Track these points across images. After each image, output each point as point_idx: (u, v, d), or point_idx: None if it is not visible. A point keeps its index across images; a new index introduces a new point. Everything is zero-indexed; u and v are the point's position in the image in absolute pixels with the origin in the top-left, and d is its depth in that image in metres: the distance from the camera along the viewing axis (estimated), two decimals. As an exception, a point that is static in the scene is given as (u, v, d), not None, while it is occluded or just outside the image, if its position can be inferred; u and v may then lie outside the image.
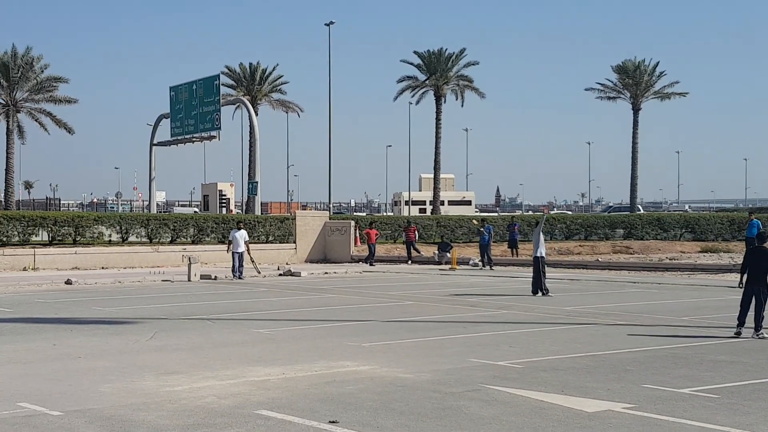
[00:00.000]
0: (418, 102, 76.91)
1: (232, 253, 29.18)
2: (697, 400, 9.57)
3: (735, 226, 51.73)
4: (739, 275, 15.29)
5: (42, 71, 60.55)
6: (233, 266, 29.14)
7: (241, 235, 29.45)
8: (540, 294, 22.06)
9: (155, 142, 57.56)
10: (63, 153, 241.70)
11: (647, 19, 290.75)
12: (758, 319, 14.56)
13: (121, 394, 9.99)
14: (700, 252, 42.78)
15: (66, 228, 36.63)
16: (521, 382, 10.55)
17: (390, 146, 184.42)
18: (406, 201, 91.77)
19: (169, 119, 54.48)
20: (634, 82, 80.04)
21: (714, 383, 10.52)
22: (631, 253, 44.11)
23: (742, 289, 14.89)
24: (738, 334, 14.56)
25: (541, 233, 22.64)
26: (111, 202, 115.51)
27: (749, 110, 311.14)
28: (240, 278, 28.77)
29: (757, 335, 14.48)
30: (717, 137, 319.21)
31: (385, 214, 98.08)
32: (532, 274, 22.76)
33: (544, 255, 22.43)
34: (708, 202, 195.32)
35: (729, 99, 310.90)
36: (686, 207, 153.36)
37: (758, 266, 14.59)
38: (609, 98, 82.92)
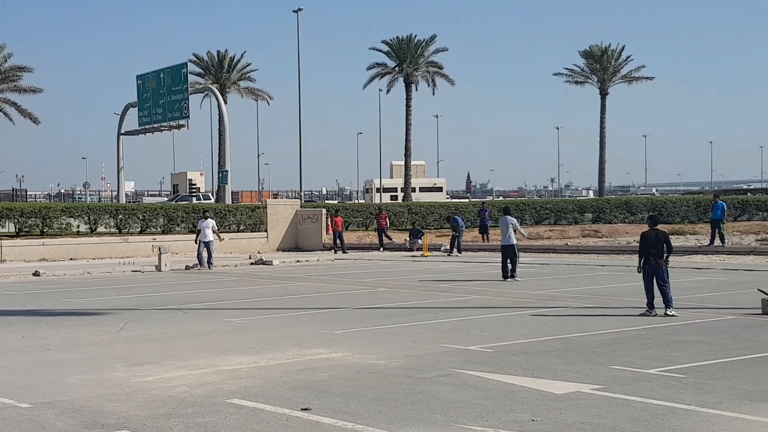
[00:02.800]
0: (389, 90, 76.94)
1: (200, 242, 28.97)
2: (664, 380, 9.73)
3: (701, 209, 52.38)
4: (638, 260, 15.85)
5: (5, 60, 59.72)
6: (199, 255, 28.87)
7: (208, 224, 29.18)
8: (509, 278, 22.35)
9: (123, 131, 57.06)
10: (29, 143, 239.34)
11: (615, 3, 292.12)
12: (665, 296, 15.10)
13: (91, 386, 9.96)
14: (668, 235, 43.22)
15: (33, 219, 36.30)
16: (492, 366, 10.66)
17: (361, 134, 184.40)
18: (377, 188, 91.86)
19: (136, 108, 54.00)
20: (601, 66, 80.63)
21: (680, 363, 10.69)
22: (599, 237, 44.49)
23: (641, 274, 15.38)
24: (646, 315, 15.03)
25: (511, 227, 22.81)
26: (79, 192, 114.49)
27: (714, 94, 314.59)
28: (209, 268, 28.61)
29: (668, 312, 14.97)
30: (683, 121, 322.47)
31: (356, 201, 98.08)
32: (501, 261, 22.96)
33: (515, 243, 22.66)
34: (675, 185, 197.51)
35: (694, 83, 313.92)
36: (653, 190, 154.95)
37: (652, 248, 15.21)
38: (577, 83, 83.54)
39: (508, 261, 22.62)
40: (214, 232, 29.18)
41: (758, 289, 15.97)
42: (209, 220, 29.50)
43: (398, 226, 45.09)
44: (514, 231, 22.89)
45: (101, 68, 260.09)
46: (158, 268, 28.37)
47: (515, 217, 23.62)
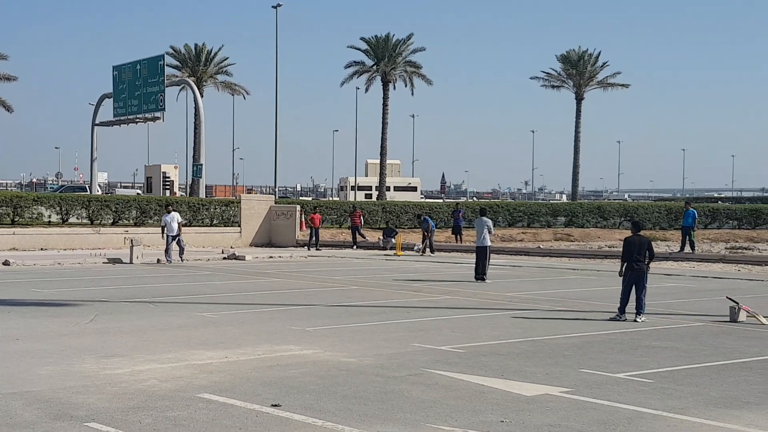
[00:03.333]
0: (367, 89, 76.89)
1: (167, 236, 28.81)
2: (632, 384, 9.83)
3: (672, 216, 52.89)
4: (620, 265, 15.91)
5: (-21, 47, 59.08)
6: (167, 251, 28.71)
7: (173, 217, 28.98)
8: (478, 280, 22.48)
9: (97, 122, 56.59)
10: (1, 131, 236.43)
11: (592, 9, 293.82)
12: (640, 303, 15.22)
13: (60, 377, 9.90)
14: (650, 241, 43.61)
15: (4, 208, 35.90)
16: (462, 367, 10.71)
17: (337, 131, 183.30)
18: (352, 186, 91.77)
19: (112, 99, 53.59)
20: (577, 71, 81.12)
21: (648, 368, 10.80)
22: (571, 241, 44.81)
23: (622, 278, 15.46)
24: (616, 320, 15.14)
25: (486, 229, 22.92)
26: (51, 182, 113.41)
27: (688, 102, 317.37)
28: (181, 261, 28.48)
29: (638, 318, 15.08)
30: (656, 128, 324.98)
31: (331, 198, 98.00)
32: (475, 261, 23.07)
33: (489, 245, 22.78)
34: (647, 192, 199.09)
35: (668, 91, 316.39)
36: (626, 196, 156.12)
37: (636, 254, 15.27)
38: (553, 87, 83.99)
39: (479, 261, 22.71)
40: (179, 224, 28.94)
41: (726, 297, 16.16)
42: (174, 213, 29.32)
43: (372, 225, 45.11)
44: (489, 233, 23.01)
45: (77, 58, 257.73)
46: (130, 261, 28.21)
47: (490, 219, 23.72)
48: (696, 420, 8.22)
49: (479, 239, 22.94)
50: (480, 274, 22.62)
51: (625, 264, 15.43)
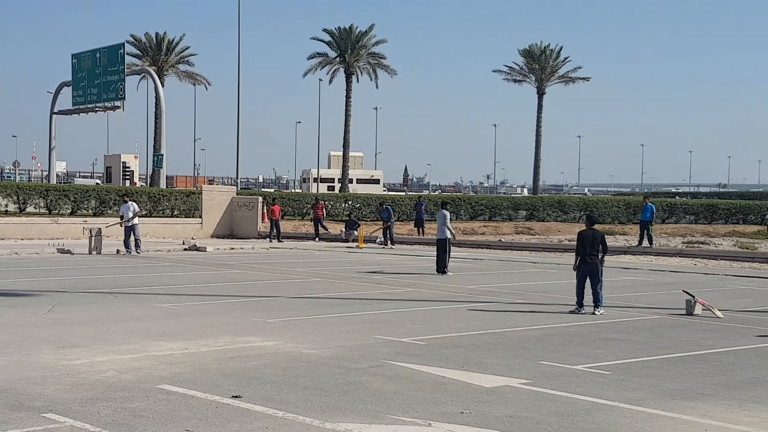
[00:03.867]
0: (330, 81, 76.77)
1: (125, 227, 28.49)
2: (590, 376, 9.96)
3: (631, 210, 53.56)
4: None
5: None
6: (125, 241, 28.39)
7: (128, 207, 28.64)
8: (434, 270, 22.62)
9: (56, 110, 55.85)
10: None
11: (555, 2, 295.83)
12: (596, 296, 15.42)
13: (17, 368, 9.78)
14: (604, 235, 44.13)
15: (-41, 197, 35.33)
16: (423, 358, 10.77)
17: (300, 123, 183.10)
18: (314, 178, 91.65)
19: (71, 87, 52.92)
20: (539, 66, 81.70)
21: (606, 360, 10.94)
22: (532, 234, 45.18)
23: (576, 272, 15.66)
24: (575, 312, 15.33)
25: (447, 221, 23.01)
26: (8, 171, 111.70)
27: (647, 98, 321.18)
28: (137, 252, 27.98)
29: (596, 311, 15.28)
30: (616, 123, 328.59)
31: (293, 190, 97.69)
32: (436, 254, 23.17)
33: (449, 237, 22.88)
34: (607, 186, 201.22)
35: (628, 87, 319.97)
36: (586, 190, 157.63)
37: (589, 247, 15.48)
38: (515, 81, 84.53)
39: (442, 254, 22.80)
40: (135, 215, 28.57)
41: (683, 290, 16.41)
42: (130, 203, 29.00)
43: (335, 217, 45.09)
44: (446, 225, 23.06)
45: (35, 45, 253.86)
46: (90, 251, 27.90)
47: (449, 212, 23.83)
48: (652, 411, 8.35)
49: (439, 232, 23.03)
50: (441, 267, 22.71)
51: (579, 258, 15.61)
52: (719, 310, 15.36)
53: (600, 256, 15.54)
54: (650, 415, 8.21)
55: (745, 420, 8.09)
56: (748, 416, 8.24)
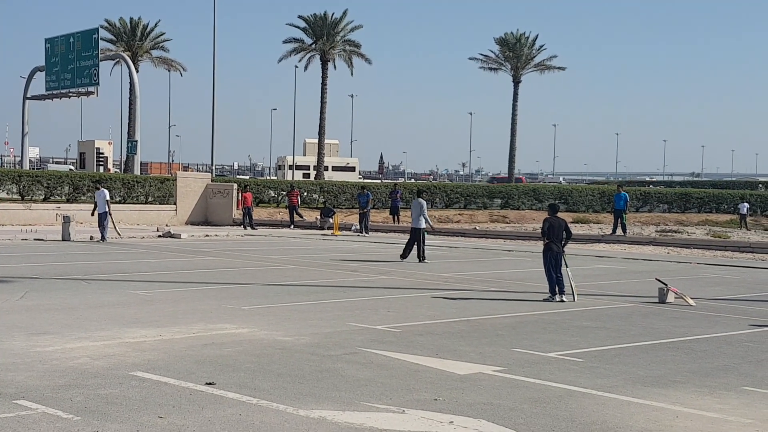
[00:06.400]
0: (306, 67, 76.43)
1: (97, 214, 28.14)
2: (563, 363, 10.03)
3: (605, 199, 53.87)
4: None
5: None
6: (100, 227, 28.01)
7: (101, 194, 28.24)
8: (411, 260, 22.68)
9: (29, 95, 55.29)
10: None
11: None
12: (560, 283, 15.56)
13: (-11, 355, 9.69)
14: (572, 222, 44.39)
15: (-70, 182, 34.90)
16: (398, 346, 10.79)
17: (275, 110, 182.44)
18: (290, 165, 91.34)
19: (44, 72, 52.36)
20: (515, 54, 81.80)
21: (579, 348, 11.02)
22: (507, 222, 45.37)
23: (543, 260, 15.75)
24: (549, 300, 15.45)
25: (424, 210, 23.04)
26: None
27: (622, 88, 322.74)
28: (102, 240, 27.60)
29: (562, 297, 15.45)
30: (591, 112, 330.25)
31: (269, 178, 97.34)
32: (407, 241, 23.18)
33: (423, 227, 22.91)
34: (581, 175, 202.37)
35: (603, 76, 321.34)
36: (561, 179, 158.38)
37: (555, 234, 15.62)
38: (491, 69, 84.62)
39: (415, 243, 22.84)
40: (106, 202, 28.11)
41: (656, 279, 16.55)
42: (102, 190, 28.63)
43: (309, 204, 45.02)
44: (421, 214, 23.09)
45: (8, 29, 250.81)
46: (63, 237, 27.67)
47: (424, 201, 23.83)
48: (624, 398, 8.43)
49: (415, 221, 23.03)
50: (419, 255, 22.73)
51: (545, 245, 15.77)
52: (692, 298, 15.51)
53: (563, 243, 15.68)
54: (622, 402, 8.28)
55: (716, 407, 8.18)
56: (719, 403, 8.34)
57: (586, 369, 9.74)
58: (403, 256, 22.83)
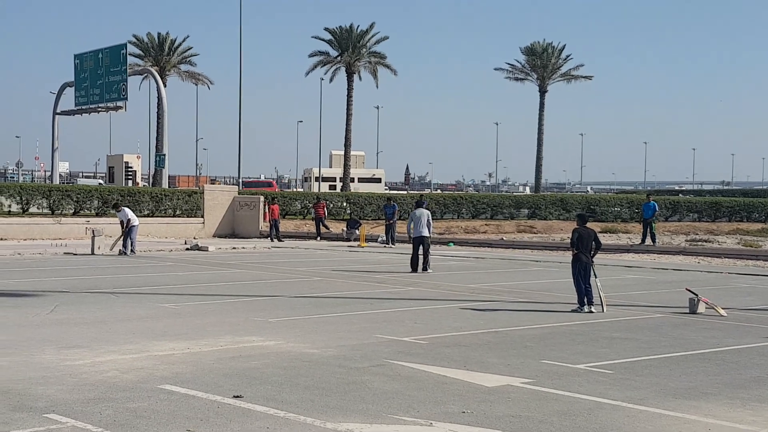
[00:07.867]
0: (331, 79, 76.59)
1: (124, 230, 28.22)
2: (593, 375, 9.93)
3: (634, 208, 53.43)
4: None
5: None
6: (128, 242, 28.13)
7: (123, 214, 28.20)
8: (421, 271, 22.65)
9: (59, 111, 55.91)
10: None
11: (557, 1, 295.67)
12: (589, 294, 15.42)
13: (19, 368, 9.78)
14: (600, 232, 44.01)
15: (-38, 197, 35.35)
16: (425, 358, 10.75)
17: (301, 122, 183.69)
18: (316, 177, 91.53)
19: (73, 88, 52.96)
20: (541, 63, 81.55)
21: (609, 359, 10.91)
22: (534, 233, 45.13)
23: (572, 271, 15.63)
24: (577, 311, 15.31)
25: (427, 218, 23.07)
26: (11, 171, 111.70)
27: (650, 96, 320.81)
28: (125, 252, 27.62)
29: (591, 308, 15.31)
30: (619, 121, 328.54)
31: (295, 189, 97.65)
32: (413, 252, 23.09)
33: (428, 235, 22.89)
34: (609, 184, 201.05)
35: (631, 84, 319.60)
36: (588, 189, 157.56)
37: (583, 245, 15.51)
38: (517, 79, 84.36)
39: (419, 253, 22.79)
40: (120, 222, 28.10)
41: (686, 289, 16.38)
42: (123, 210, 28.40)
43: (336, 216, 45.07)
44: (418, 224, 23.02)
45: (39, 46, 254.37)
46: (92, 251, 27.89)
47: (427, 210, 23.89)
48: (655, 410, 8.33)
49: (423, 230, 22.95)
50: (423, 264, 22.73)
51: (573, 256, 15.65)
52: (723, 309, 15.32)
53: (592, 254, 15.57)
54: (653, 415, 8.18)
55: (749, 419, 8.06)
56: (752, 415, 8.21)
57: (616, 381, 9.64)
58: (413, 268, 22.80)
